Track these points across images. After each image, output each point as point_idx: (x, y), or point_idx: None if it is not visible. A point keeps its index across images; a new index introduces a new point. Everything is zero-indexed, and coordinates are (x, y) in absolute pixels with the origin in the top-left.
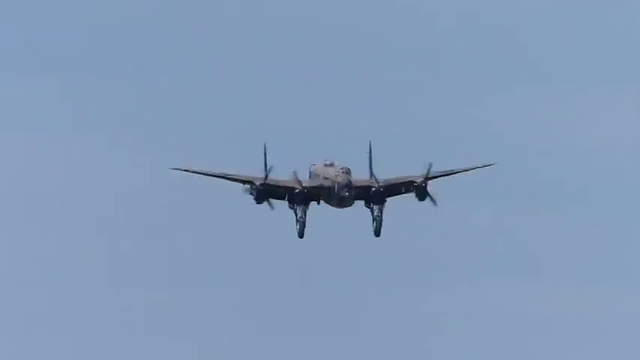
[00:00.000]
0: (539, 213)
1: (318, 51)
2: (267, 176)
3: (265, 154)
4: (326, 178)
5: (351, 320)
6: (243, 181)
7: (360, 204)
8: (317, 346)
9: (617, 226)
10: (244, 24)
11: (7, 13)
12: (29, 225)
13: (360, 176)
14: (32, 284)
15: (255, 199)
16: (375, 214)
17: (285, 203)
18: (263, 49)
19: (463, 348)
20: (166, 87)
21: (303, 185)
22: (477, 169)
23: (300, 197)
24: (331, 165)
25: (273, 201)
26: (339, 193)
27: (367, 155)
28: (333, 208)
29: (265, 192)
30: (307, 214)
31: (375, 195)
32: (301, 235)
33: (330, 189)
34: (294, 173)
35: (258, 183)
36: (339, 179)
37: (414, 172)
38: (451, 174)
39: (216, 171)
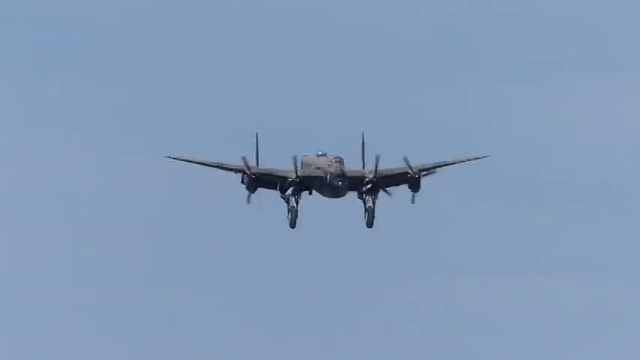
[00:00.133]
0: (534, 207)
1: (312, 43)
2: (249, 167)
3: (257, 144)
4: (318, 168)
5: (342, 312)
6: (236, 170)
7: (352, 195)
8: (308, 337)
9: (614, 221)
10: (239, 15)
11: None
12: (22, 214)
13: (353, 168)
14: (25, 272)
15: (247, 188)
16: (368, 205)
17: (277, 192)
18: (257, 40)
19: (454, 341)
20: (161, 76)
21: (295, 175)
22: (471, 161)
23: (292, 186)
24: (323, 155)
25: (262, 191)
26: (331, 183)
27: (360, 148)
28: (326, 198)
29: (257, 181)
30: (299, 204)
31: (368, 186)
32: (293, 225)
33: (322, 179)
34: (294, 158)
35: (249, 172)
36: (332, 169)
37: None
38: (444, 165)
39: (210, 160)
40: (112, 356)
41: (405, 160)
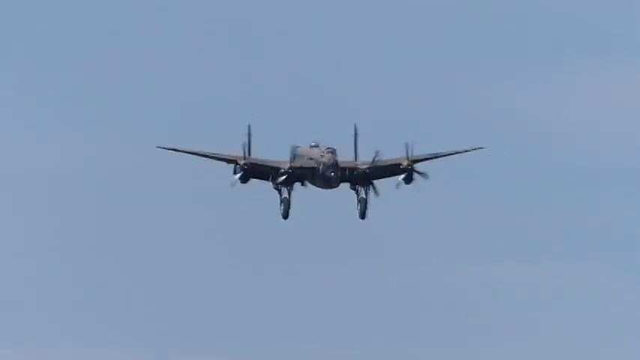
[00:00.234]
0: (529, 197)
1: (306, 34)
2: (245, 158)
3: (249, 135)
4: (311, 159)
5: (334, 302)
6: (228, 161)
7: (345, 186)
8: (300, 328)
9: (609, 209)
10: (233, 7)
11: None
12: (14, 201)
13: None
14: (17, 260)
15: (240, 178)
16: (361, 196)
17: (269, 183)
18: (250, 31)
19: (447, 328)
20: (154, 67)
21: (288, 166)
22: (466, 152)
23: (285, 177)
24: (316, 146)
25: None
26: (324, 174)
27: (353, 139)
28: (318, 188)
29: (250, 171)
30: (292, 194)
31: (360, 177)
32: (285, 215)
33: (315, 169)
34: (292, 148)
35: (242, 162)
36: (325, 159)
37: (401, 154)
38: (439, 157)
39: (202, 150)
40: (103, 341)
41: (407, 146)
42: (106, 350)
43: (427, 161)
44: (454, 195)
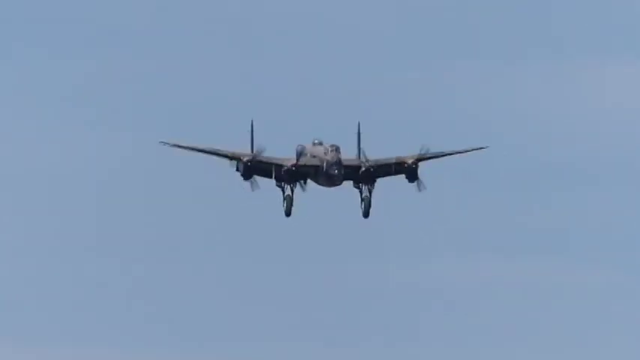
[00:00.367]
0: (531, 196)
1: (309, 31)
2: (255, 155)
3: (252, 131)
4: (314, 157)
5: (337, 301)
6: (231, 157)
7: (348, 184)
8: (302, 326)
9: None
10: (236, 2)
11: None
12: (15, 198)
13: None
14: (19, 257)
15: (242, 175)
16: (364, 194)
17: (272, 180)
18: (254, 27)
19: (450, 327)
20: (157, 62)
21: (292, 163)
22: (470, 152)
23: (288, 174)
24: (320, 144)
25: (258, 178)
26: (327, 171)
27: (356, 137)
28: (321, 186)
29: (252, 168)
30: (295, 192)
31: (364, 175)
32: (288, 213)
33: (318, 167)
34: (298, 148)
35: (245, 159)
36: (328, 157)
37: (405, 153)
38: (442, 156)
39: (205, 146)
40: (104, 340)
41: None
42: (108, 349)
43: (432, 160)
44: (457, 194)
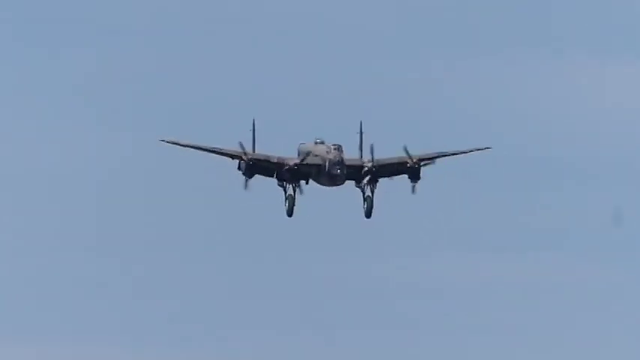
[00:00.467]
0: (532, 195)
1: (311, 29)
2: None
3: (254, 130)
4: (316, 156)
5: (338, 301)
6: (232, 156)
7: (350, 184)
8: (303, 326)
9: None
10: (240, 1)
11: None
12: (15, 197)
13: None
14: (18, 254)
15: (244, 174)
16: (366, 194)
17: (274, 180)
18: (255, 25)
19: (452, 325)
20: (158, 59)
21: (294, 162)
22: (472, 152)
23: (290, 173)
24: (321, 143)
25: (260, 177)
26: (330, 171)
27: (358, 136)
28: (323, 186)
29: (254, 167)
30: (297, 191)
31: (366, 175)
32: (290, 213)
33: (320, 166)
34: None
35: (247, 158)
36: (331, 156)
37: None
38: (444, 156)
39: (206, 144)
40: (105, 338)
41: (405, 149)
42: (109, 348)
43: (434, 160)
44: (459, 194)
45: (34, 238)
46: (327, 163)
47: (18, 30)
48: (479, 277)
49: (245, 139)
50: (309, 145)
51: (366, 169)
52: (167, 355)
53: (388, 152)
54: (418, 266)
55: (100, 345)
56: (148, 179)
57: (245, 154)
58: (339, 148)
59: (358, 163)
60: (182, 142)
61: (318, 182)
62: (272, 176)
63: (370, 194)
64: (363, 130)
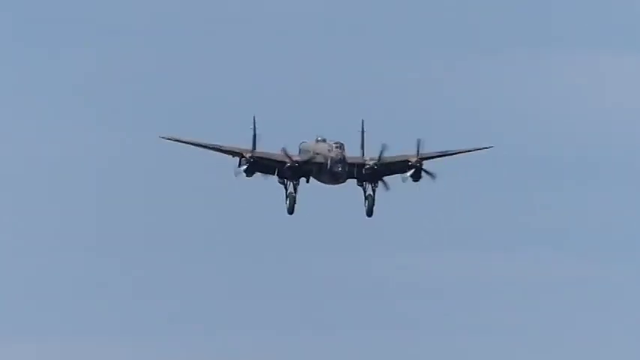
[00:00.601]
0: (533, 194)
1: (313, 27)
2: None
3: (254, 127)
4: (318, 154)
5: (338, 299)
6: (233, 153)
7: (352, 182)
8: (304, 324)
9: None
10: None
11: None
12: (15, 193)
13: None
14: (16, 251)
15: (245, 171)
16: (368, 193)
17: (275, 177)
18: (257, 23)
19: (454, 324)
20: (159, 57)
21: (295, 159)
22: (474, 151)
23: (291, 171)
24: (323, 141)
25: (264, 175)
26: (331, 169)
27: (360, 134)
28: (324, 184)
29: (255, 164)
30: (298, 189)
31: (368, 173)
32: (291, 211)
33: (322, 164)
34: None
35: (248, 155)
36: (332, 154)
37: (409, 151)
38: (447, 155)
39: (206, 141)
40: (105, 336)
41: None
42: (109, 347)
43: (436, 159)
44: (461, 192)
45: (35, 235)
46: (329, 161)
47: (18, 30)
48: (479, 277)
49: (246, 137)
50: (311, 144)
51: (368, 167)
52: (168, 352)
53: (389, 152)
54: (419, 265)
55: (100, 344)
56: (149, 176)
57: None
58: (341, 146)
59: (360, 161)
60: (182, 139)
61: (320, 180)
62: (273, 174)
63: (372, 193)
64: (364, 129)
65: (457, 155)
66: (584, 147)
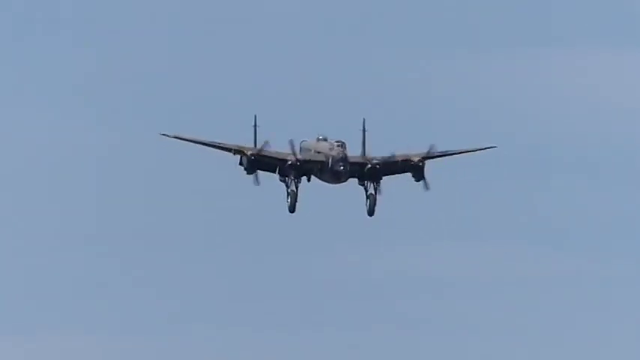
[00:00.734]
0: (534, 194)
1: (315, 25)
2: (261, 149)
3: (255, 125)
4: (319, 152)
5: (339, 298)
6: (235, 151)
7: (353, 181)
8: (304, 322)
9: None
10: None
11: None
12: (15, 190)
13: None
14: (17, 249)
15: (246, 169)
16: (369, 192)
17: (276, 175)
18: (259, 21)
19: (454, 324)
20: (161, 55)
21: (297, 157)
22: (477, 151)
23: (292, 169)
24: (324, 140)
25: (262, 173)
26: (333, 168)
27: (361, 133)
28: (326, 183)
29: (256, 162)
30: (299, 188)
31: (370, 172)
32: (292, 209)
33: (323, 163)
34: (291, 142)
35: (249, 153)
36: (334, 153)
37: (411, 151)
38: (450, 155)
39: (207, 139)
40: (106, 333)
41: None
42: (110, 344)
43: (438, 159)
44: (463, 192)
45: (36, 233)
46: (330, 160)
47: (18, 30)
48: (482, 276)
49: (247, 135)
50: (312, 142)
51: (370, 166)
52: (168, 350)
53: (390, 151)
54: (421, 264)
55: (100, 343)
56: (150, 173)
57: (258, 151)
58: (342, 145)
59: (362, 160)
60: (183, 137)
61: (321, 179)
62: (274, 172)
63: (373, 192)
64: (366, 128)
65: (460, 155)
66: (584, 146)
